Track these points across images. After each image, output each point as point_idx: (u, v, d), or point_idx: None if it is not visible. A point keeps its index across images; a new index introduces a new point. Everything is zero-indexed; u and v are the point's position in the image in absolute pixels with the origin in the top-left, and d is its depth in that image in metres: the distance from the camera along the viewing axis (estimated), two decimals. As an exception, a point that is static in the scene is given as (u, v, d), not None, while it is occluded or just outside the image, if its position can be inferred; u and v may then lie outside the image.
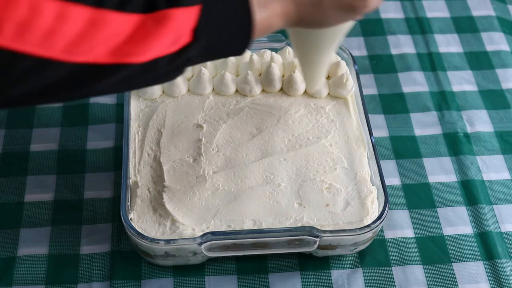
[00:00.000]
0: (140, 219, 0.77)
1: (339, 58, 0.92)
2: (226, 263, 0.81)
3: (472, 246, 0.84)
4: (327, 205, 0.79)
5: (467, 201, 0.88)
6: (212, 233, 0.75)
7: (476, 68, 1.05)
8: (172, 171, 0.81)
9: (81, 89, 0.55)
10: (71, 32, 0.50)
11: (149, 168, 0.82)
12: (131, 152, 0.83)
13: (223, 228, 0.77)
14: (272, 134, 0.86)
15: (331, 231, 0.75)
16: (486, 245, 0.84)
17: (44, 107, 0.96)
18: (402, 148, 0.94)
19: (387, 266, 0.81)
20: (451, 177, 0.90)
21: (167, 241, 0.74)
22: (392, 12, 1.12)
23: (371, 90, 1.00)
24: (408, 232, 0.85)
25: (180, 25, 0.55)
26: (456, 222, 0.86)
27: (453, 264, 0.82)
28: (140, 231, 0.75)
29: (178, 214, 0.77)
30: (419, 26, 1.10)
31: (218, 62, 0.91)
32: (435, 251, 0.83)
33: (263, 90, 0.91)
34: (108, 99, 0.97)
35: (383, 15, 1.12)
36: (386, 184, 0.79)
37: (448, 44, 1.08)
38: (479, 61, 1.06)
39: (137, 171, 0.81)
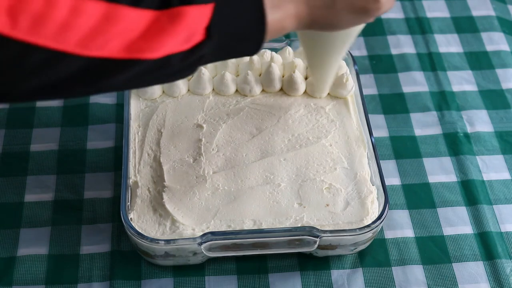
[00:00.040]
0: (140, 219, 0.77)
1: (339, 58, 0.92)
2: (226, 263, 0.81)
3: (472, 246, 0.84)
4: (327, 205, 0.79)
5: (467, 201, 0.88)
6: (212, 233, 0.75)
7: (476, 68, 1.05)
8: (172, 171, 0.81)
9: (94, 84, 0.55)
10: (85, 26, 0.50)
11: (149, 168, 0.82)
12: (131, 152, 0.83)
13: (223, 228, 0.77)
14: (272, 134, 0.86)
15: (331, 231, 0.75)
16: (486, 245, 0.84)
17: (44, 107, 0.96)
18: (402, 148, 0.94)
19: (387, 266, 0.81)
20: (451, 177, 0.90)
21: (167, 241, 0.74)
22: (392, 12, 1.12)
23: (371, 90, 1.00)
24: (408, 232, 0.85)
25: (193, 23, 0.55)
26: (456, 222, 0.86)
27: (453, 264, 0.82)
28: (140, 231, 0.75)
29: (178, 214, 0.77)
30: (419, 26, 1.10)
31: (218, 62, 0.91)
32: (435, 251, 0.83)
33: (263, 90, 0.91)
34: (108, 99, 0.97)
35: (383, 15, 1.11)
36: (386, 184, 0.79)
37: (448, 44, 1.08)
38: (479, 61, 1.06)
39: (137, 171, 0.81)
